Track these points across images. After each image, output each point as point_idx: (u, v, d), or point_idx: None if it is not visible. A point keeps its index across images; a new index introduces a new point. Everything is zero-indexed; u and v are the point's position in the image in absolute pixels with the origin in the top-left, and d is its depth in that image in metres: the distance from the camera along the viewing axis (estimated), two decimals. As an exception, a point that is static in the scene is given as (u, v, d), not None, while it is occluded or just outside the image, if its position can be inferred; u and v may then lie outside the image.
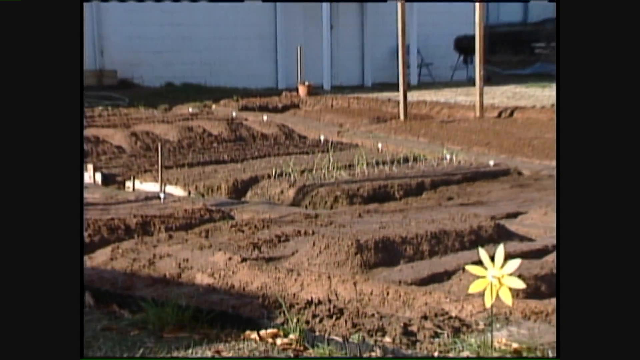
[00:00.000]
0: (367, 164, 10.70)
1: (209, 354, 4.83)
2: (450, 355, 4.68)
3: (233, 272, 6.19)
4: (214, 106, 16.89)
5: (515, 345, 4.77)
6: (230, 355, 4.82)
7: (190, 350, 4.89)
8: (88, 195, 9.57)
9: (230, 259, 6.38)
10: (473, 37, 16.23)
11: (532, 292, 5.36)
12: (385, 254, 6.52)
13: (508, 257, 4.59)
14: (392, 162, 10.97)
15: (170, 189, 9.58)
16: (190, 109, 16.27)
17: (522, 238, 7.18)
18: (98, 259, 6.81)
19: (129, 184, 10.17)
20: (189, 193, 9.62)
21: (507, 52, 25.87)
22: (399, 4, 15.37)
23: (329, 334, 4.95)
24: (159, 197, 9.08)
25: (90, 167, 10.51)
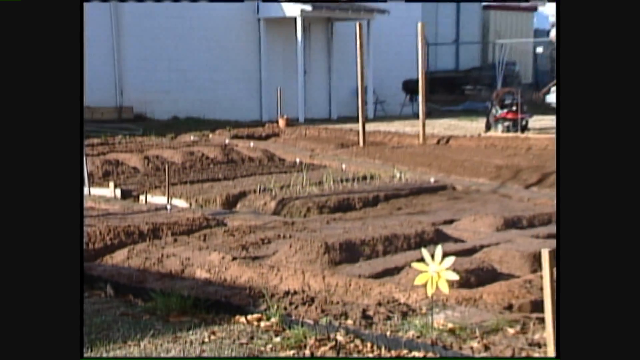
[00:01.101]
0: (333, 181, 10.70)
1: (206, 334, 4.82)
2: (399, 334, 4.68)
3: (225, 269, 6.17)
4: (210, 135, 16.86)
5: (450, 325, 4.78)
6: (222, 335, 4.81)
7: (191, 332, 4.87)
8: (109, 207, 9.55)
9: (223, 257, 6.37)
10: (417, 81, 16.32)
11: (463, 283, 5.38)
12: (348, 253, 6.52)
13: (445, 255, 4.62)
14: (353, 180, 10.98)
15: (176, 201, 9.55)
16: (192, 138, 16.23)
17: (456, 240, 7.20)
18: (117, 258, 6.79)
19: (142, 197, 10.13)
20: (191, 205, 9.58)
21: (443, 93, 26.00)
22: (359, 54, 15.40)
23: (303, 318, 4.94)
24: (166, 208, 9.05)
25: (111, 184, 10.48)
